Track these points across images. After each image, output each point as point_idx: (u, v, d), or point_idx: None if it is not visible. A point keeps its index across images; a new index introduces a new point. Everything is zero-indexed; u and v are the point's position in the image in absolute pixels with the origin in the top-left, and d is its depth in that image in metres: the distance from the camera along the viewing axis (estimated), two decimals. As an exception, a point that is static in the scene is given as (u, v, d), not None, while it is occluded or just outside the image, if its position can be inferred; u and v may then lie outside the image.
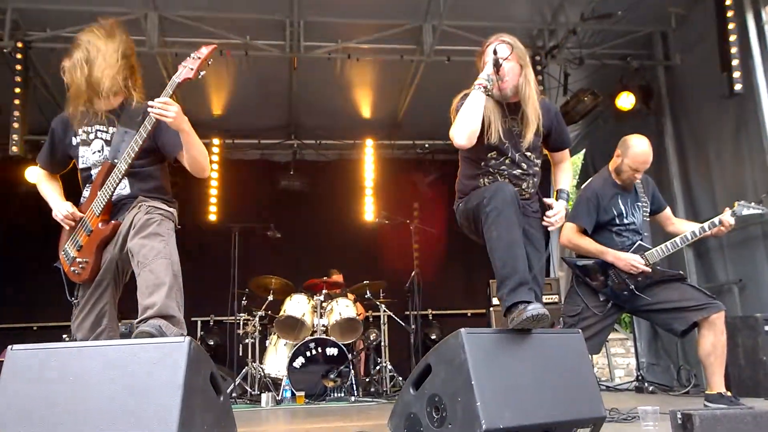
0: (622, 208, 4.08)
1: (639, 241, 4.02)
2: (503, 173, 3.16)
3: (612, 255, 3.97)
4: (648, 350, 7.56)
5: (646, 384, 6.38)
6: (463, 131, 2.98)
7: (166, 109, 2.81)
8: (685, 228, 4.14)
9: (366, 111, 8.60)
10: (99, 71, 2.99)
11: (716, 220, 4.00)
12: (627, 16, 6.46)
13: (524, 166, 3.18)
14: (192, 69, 2.89)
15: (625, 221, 4.07)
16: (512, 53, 3.06)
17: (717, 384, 3.85)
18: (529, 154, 3.20)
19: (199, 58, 2.92)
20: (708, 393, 3.88)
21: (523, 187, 3.18)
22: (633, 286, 3.94)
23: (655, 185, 4.35)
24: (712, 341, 3.80)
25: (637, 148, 4.04)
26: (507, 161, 3.18)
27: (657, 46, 7.21)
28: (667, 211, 4.33)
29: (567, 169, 3.46)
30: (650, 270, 3.92)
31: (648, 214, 4.18)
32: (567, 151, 3.47)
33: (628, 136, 4.16)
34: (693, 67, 6.72)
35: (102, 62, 3.00)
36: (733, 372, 4.93)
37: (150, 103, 2.84)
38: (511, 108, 3.17)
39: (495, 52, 3.03)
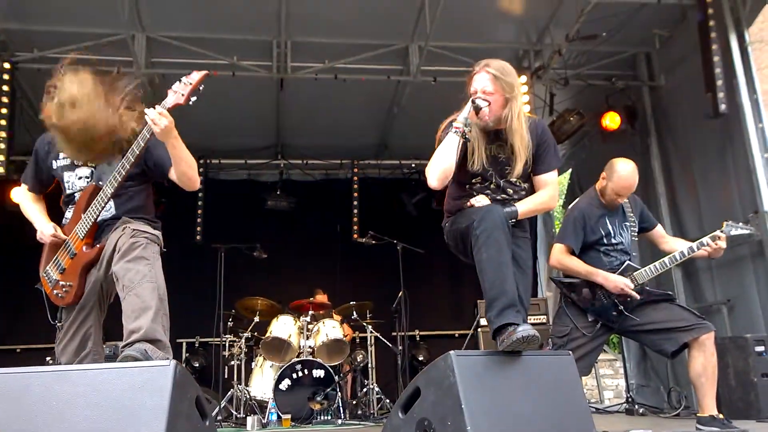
0: (610, 228, 4.08)
1: (627, 261, 4.02)
2: (487, 197, 3.15)
3: (602, 276, 3.95)
4: (637, 371, 7.55)
5: (636, 406, 6.36)
6: (435, 173, 3.02)
7: (158, 119, 2.79)
8: (678, 246, 4.12)
9: (353, 131, 8.62)
10: (87, 122, 2.90)
11: (705, 240, 3.98)
12: (611, 38, 6.53)
13: (510, 191, 3.19)
14: (183, 95, 2.86)
15: (613, 241, 4.06)
16: (492, 90, 3.05)
17: (709, 406, 3.81)
18: (514, 179, 3.19)
19: (190, 83, 2.87)
20: (700, 416, 3.85)
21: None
22: (621, 307, 3.93)
23: (644, 204, 4.35)
24: (703, 362, 3.78)
25: (622, 173, 4.02)
26: (492, 186, 3.18)
27: (641, 66, 7.30)
28: (659, 228, 4.32)
29: (539, 194, 3.26)
30: (638, 296, 3.91)
31: (636, 234, 4.18)
32: (550, 174, 3.27)
33: (616, 159, 4.13)
34: (677, 88, 6.80)
35: (91, 112, 2.91)
36: (724, 393, 4.89)
37: (147, 111, 2.81)
38: (496, 135, 3.16)
39: (473, 95, 3.05)
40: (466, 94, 3.15)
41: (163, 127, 2.80)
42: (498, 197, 3.16)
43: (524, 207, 3.17)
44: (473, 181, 3.19)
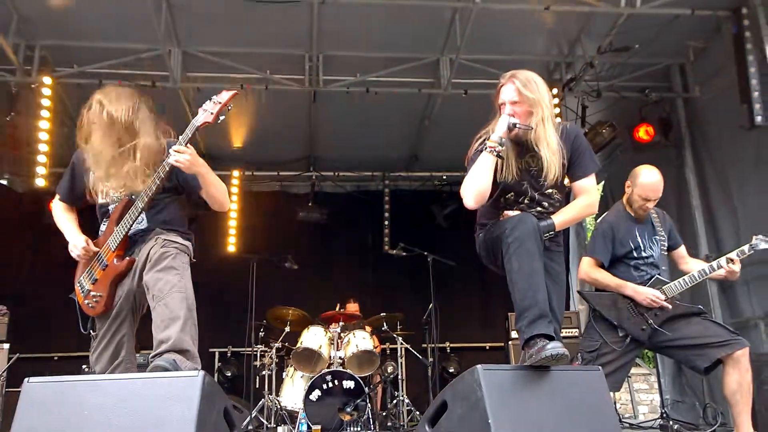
0: (639, 241, 4.04)
1: (657, 275, 3.97)
2: (522, 211, 3.09)
3: (631, 288, 3.92)
4: (672, 386, 7.41)
5: (671, 422, 6.21)
6: (471, 193, 2.98)
7: (178, 157, 2.88)
8: (697, 267, 4.09)
9: (384, 143, 8.66)
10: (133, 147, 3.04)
11: (722, 260, 3.93)
12: (645, 49, 6.46)
13: (545, 204, 3.13)
14: (212, 114, 2.92)
15: (643, 254, 4.02)
16: (520, 101, 3.02)
17: (744, 424, 3.72)
18: (550, 191, 3.14)
19: (220, 102, 2.94)
20: (735, 434, 3.78)
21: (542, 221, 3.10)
22: (652, 321, 3.88)
23: (673, 222, 4.29)
24: (737, 379, 3.71)
25: (645, 177, 4.03)
26: (526, 200, 3.13)
27: (675, 78, 7.21)
28: (682, 249, 4.28)
29: (576, 202, 3.18)
30: (669, 306, 3.86)
31: (665, 248, 4.13)
32: (587, 180, 3.17)
33: (638, 167, 4.15)
34: (712, 99, 6.70)
35: (128, 138, 3.04)
36: (761, 410, 4.78)
37: (170, 151, 2.90)
38: (527, 146, 3.09)
39: (502, 107, 3.05)
40: (495, 108, 3.15)
41: (185, 163, 2.89)
42: (533, 211, 3.10)
43: (561, 218, 3.09)
44: (508, 195, 3.14)
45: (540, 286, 2.76)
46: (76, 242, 3.14)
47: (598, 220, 4.36)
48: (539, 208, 3.13)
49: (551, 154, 3.02)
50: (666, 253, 4.14)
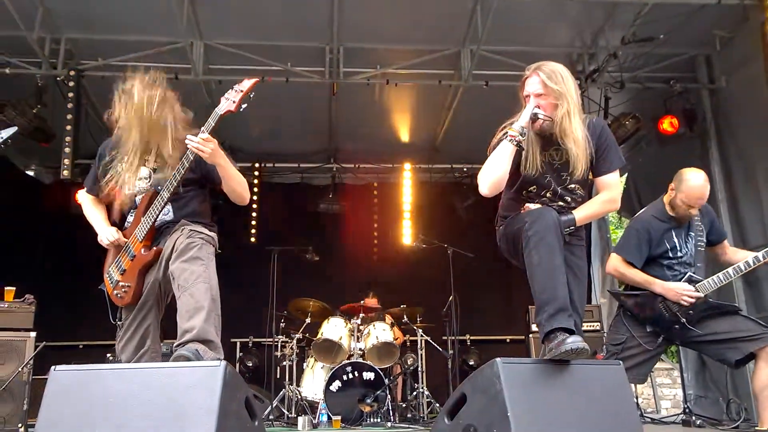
0: (676, 241, 3.96)
1: (689, 273, 3.90)
2: (544, 205, 3.07)
3: (660, 286, 3.86)
4: (695, 381, 7.33)
5: (693, 417, 6.16)
6: (486, 181, 2.97)
7: (203, 144, 2.90)
8: (738, 257, 3.99)
9: (404, 135, 8.66)
10: (155, 136, 3.11)
11: (761, 255, 3.82)
12: (669, 40, 6.37)
13: (567, 199, 3.10)
14: (234, 102, 2.96)
15: (679, 254, 3.95)
16: (545, 94, 2.98)
17: None
18: (573, 186, 3.11)
19: (241, 91, 2.98)
20: (759, 429, 3.73)
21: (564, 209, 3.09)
22: (684, 320, 3.82)
23: (715, 214, 4.18)
24: None
25: (692, 182, 3.88)
26: (548, 194, 3.10)
27: (701, 68, 7.09)
28: (725, 241, 4.19)
29: (599, 198, 3.15)
30: (701, 295, 3.80)
31: (703, 245, 4.03)
32: (611, 175, 3.12)
33: (684, 169, 3.98)
34: (739, 90, 6.59)
35: (157, 127, 3.10)
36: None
37: (189, 137, 2.92)
38: (551, 139, 3.06)
39: (527, 99, 3.03)
40: (519, 101, 3.12)
41: (209, 152, 2.92)
42: (555, 205, 3.07)
43: (582, 213, 3.06)
44: (530, 188, 3.12)
45: (560, 280, 2.74)
46: (106, 232, 3.20)
47: (634, 218, 4.27)
48: (561, 203, 3.10)
49: (577, 149, 2.97)
50: (702, 249, 4.03)
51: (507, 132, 2.97)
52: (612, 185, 3.12)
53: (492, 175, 2.95)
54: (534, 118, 2.96)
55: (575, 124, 2.98)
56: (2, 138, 3.05)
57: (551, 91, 2.98)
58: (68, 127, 6.51)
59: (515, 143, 2.92)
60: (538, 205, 3.04)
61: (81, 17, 6.26)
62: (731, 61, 6.67)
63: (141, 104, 3.06)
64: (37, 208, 8.45)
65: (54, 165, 7.82)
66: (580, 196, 3.14)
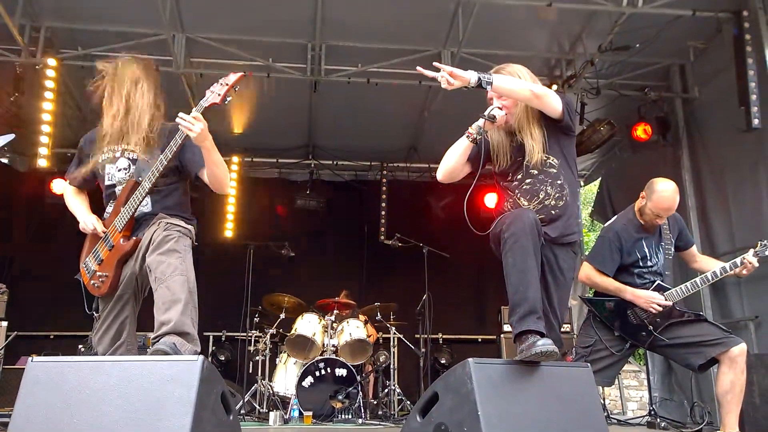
0: (646, 250, 4.03)
1: (658, 282, 3.99)
2: (520, 188, 3.15)
3: (630, 293, 3.94)
4: (661, 384, 7.49)
5: (658, 419, 6.30)
6: (440, 170, 3.29)
7: (193, 123, 2.91)
8: (709, 266, 4.07)
9: (383, 134, 8.72)
10: (137, 113, 3.13)
11: (739, 260, 3.91)
12: (645, 49, 6.50)
13: (534, 171, 3.13)
14: (219, 95, 2.99)
15: (649, 264, 4.02)
16: (504, 107, 3.12)
17: (731, 424, 3.76)
18: (541, 156, 3.13)
19: (227, 84, 3.00)
20: (720, 432, 3.84)
21: (542, 197, 3.10)
22: (651, 327, 3.92)
23: (684, 223, 4.27)
24: (732, 379, 3.73)
25: (662, 193, 3.93)
26: (520, 174, 3.18)
27: (675, 78, 7.25)
28: (693, 248, 4.28)
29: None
30: (670, 303, 3.90)
31: (671, 254, 4.12)
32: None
33: (656, 179, 4.04)
34: (711, 100, 6.75)
35: (142, 104, 3.14)
36: (748, 411, 4.78)
37: (181, 115, 2.93)
38: (518, 134, 3.22)
39: (489, 102, 3.15)
40: (487, 102, 3.22)
41: (198, 132, 2.91)
42: (525, 185, 3.14)
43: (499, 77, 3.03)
44: (507, 178, 3.23)
45: (531, 283, 2.81)
46: (87, 220, 3.19)
47: (605, 226, 4.34)
48: (530, 179, 3.15)
49: (533, 141, 3.13)
50: (671, 257, 4.11)
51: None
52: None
53: (444, 165, 3.26)
54: (492, 119, 3.08)
55: (532, 118, 3.16)
56: None
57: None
58: (45, 116, 6.46)
59: (470, 140, 3.13)
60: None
61: (62, 6, 6.20)
62: (704, 72, 6.83)
63: (122, 85, 3.10)
64: (11, 196, 8.34)
65: (29, 153, 7.73)
66: (552, 165, 3.15)
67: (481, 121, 3.09)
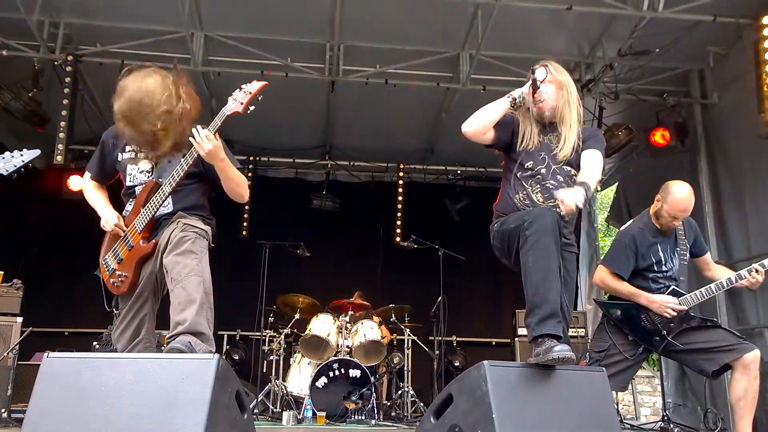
0: (661, 255, 4.01)
1: (673, 287, 3.97)
2: (538, 183, 3.13)
3: (645, 298, 3.92)
4: (675, 390, 7.44)
5: (671, 425, 6.25)
6: (471, 122, 3.16)
7: (203, 142, 2.91)
8: (721, 274, 4.06)
9: (400, 135, 8.71)
10: (161, 130, 3.05)
11: (744, 272, 3.89)
12: (664, 54, 6.45)
13: (560, 178, 3.14)
14: (242, 103, 2.98)
15: (664, 268, 4.00)
16: (551, 77, 3.18)
17: (744, 430, 3.73)
18: (567, 168, 3.17)
19: (250, 92, 2.99)
20: (734, 439, 3.81)
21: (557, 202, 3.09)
22: (665, 332, 3.89)
23: (698, 229, 4.25)
24: (745, 386, 3.71)
25: (677, 195, 3.93)
26: (542, 170, 3.16)
27: (694, 83, 7.19)
28: (707, 256, 4.25)
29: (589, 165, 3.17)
30: (685, 308, 3.87)
31: (686, 259, 4.10)
32: (592, 151, 3.19)
33: (671, 181, 4.04)
34: (730, 107, 6.69)
35: (162, 121, 3.03)
36: (761, 418, 4.79)
37: (194, 131, 2.93)
38: (549, 127, 3.24)
39: (533, 73, 3.16)
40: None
41: (207, 152, 2.92)
42: (548, 184, 3.12)
43: (587, 177, 3.03)
44: (526, 166, 3.19)
45: (553, 284, 2.76)
46: (109, 217, 3.20)
47: (621, 230, 4.32)
48: (554, 181, 3.13)
49: (570, 134, 3.17)
50: (686, 263, 4.10)
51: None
52: (595, 157, 3.20)
53: (479, 120, 3.16)
54: (535, 85, 3.12)
55: (573, 114, 3.20)
56: (23, 161, 3.05)
57: (556, 80, 3.21)
58: (64, 113, 6.51)
59: (510, 100, 3.14)
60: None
61: (81, 2, 6.26)
62: (724, 78, 6.77)
63: (139, 98, 3.00)
64: (28, 192, 8.40)
65: (46, 149, 7.79)
66: (574, 175, 3.17)
67: (525, 87, 3.14)
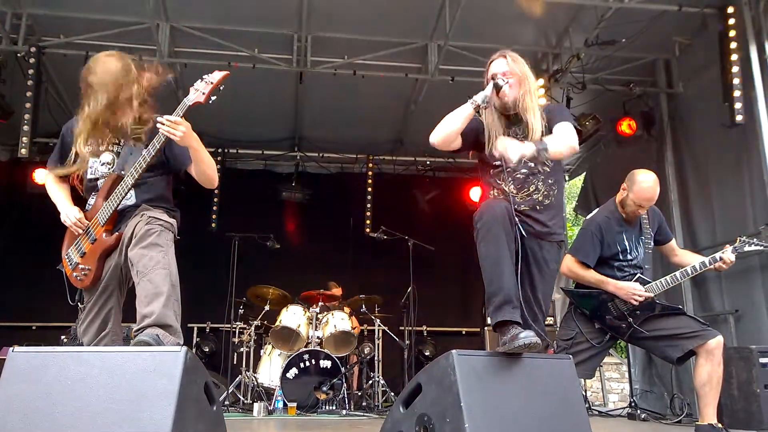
0: (627, 244, 4.07)
1: (639, 275, 4.04)
2: (510, 175, 3.12)
3: (612, 285, 3.98)
4: (642, 377, 7.58)
5: (638, 411, 6.38)
6: (437, 133, 3.08)
7: (174, 127, 2.88)
8: (689, 260, 4.14)
9: (369, 126, 8.70)
10: (121, 112, 3.05)
11: (717, 255, 3.98)
12: (631, 44, 6.53)
13: (531, 164, 3.12)
14: (203, 93, 2.94)
15: (629, 257, 4.06)
16: (511, 69, 3.14)
17: (709, 415, 3.83)
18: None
19: (211, 83, 2.96)
20: (699, 424, 3.87)
21: (531, 190, 3.12)
22: (631, 319, 3.96)
23: (663, 217, 4.32)
24: (709, 371, 3.80)
25: (643, 183, 3.99)
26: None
27: (660, 73, 7.29)
28: (673, 242, 4.32)
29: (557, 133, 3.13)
30: (651, 295, 3.94)
31: (651, 248, 4.16)
32: (563, 124, 3.13)
33: (636, 170, 4.10)
34: (695, 96, 6.80)
35: (124, 102, 3.04)
36: (726, 403, 4.89)
37: (159, 119, 2.90)
38: (514, 119, 3.21)
39: (494, 77, 3.12)
40: (485, 84, 3.21)
41: (181, 135, 2.89)
42: (519, 174, 3.13)
43: (548, 139, 3.03)
44: (495, 164, 3.18)
45: (505, 272, 2.80)
46: (69, 212, 3.14)
47: (587, 219, 4.37)
48: (524, 170, 3.14)
49: (536, 121, 3.13)
50: (650, 250, 4.16)
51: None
52: (562, 127, 3.13)
53: (443, 129, 3.07)
54: (497, 87, 3.08)
55: (535, 103, 3.18)
56: None
57: (515, 72, 3.16)
58: (27, 105, 6.37)
59: (474, 106, 3.05)
60: (504, 140, 3.04)
61: (44, -8, 6.12)
62: (689, 68, 6.88)
63: (103, 81, 3.00)
64: (-8, 185, 8.25)
65: (10, 142, 7.63)
66: (545, 164, 3.17)
67: (488, 90, 3.07)
